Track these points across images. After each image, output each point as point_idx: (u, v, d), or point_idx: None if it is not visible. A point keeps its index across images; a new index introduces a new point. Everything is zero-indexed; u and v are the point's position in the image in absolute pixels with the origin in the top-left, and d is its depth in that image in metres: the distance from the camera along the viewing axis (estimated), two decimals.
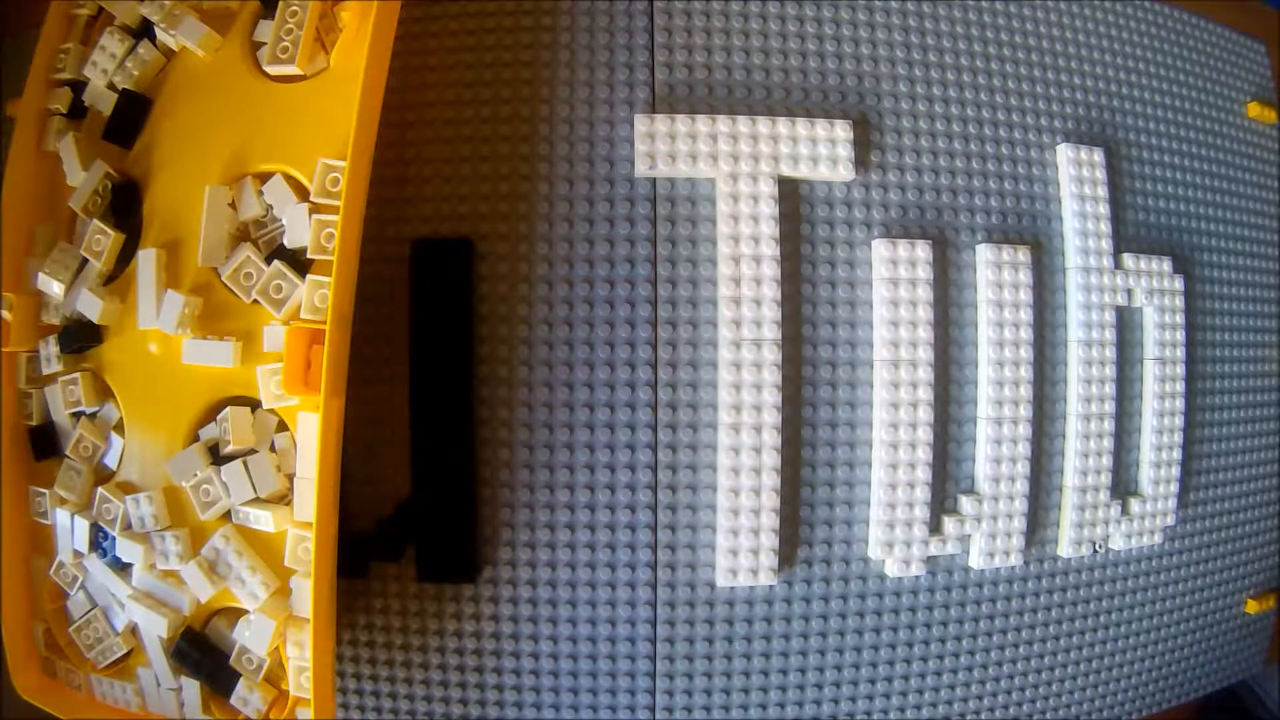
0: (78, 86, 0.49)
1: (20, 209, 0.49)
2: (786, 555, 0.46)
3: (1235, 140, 0.57)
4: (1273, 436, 0.58)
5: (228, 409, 0.42)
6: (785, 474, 0.45)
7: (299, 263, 0.42)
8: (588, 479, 0.45)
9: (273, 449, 0.42)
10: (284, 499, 0.42)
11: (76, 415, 0.46)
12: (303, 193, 0.42)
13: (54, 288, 0.46)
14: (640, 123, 0.45)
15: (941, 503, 0.48)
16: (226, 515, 0.42)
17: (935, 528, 0.48)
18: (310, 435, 0.40)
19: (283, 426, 0.42)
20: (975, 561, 0.48)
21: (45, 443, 0.48)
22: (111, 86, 0.47)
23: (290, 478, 0.42)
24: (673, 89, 0.47)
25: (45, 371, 0.47)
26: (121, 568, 0.44)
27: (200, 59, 0.46)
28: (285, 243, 0.42)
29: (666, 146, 0.45)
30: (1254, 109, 0.58)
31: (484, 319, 0.45)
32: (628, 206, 0.46)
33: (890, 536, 0.46)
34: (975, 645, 0.49)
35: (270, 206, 0.43)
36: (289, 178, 0.43)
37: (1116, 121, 0.53)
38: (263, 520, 0.41)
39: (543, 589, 0.45)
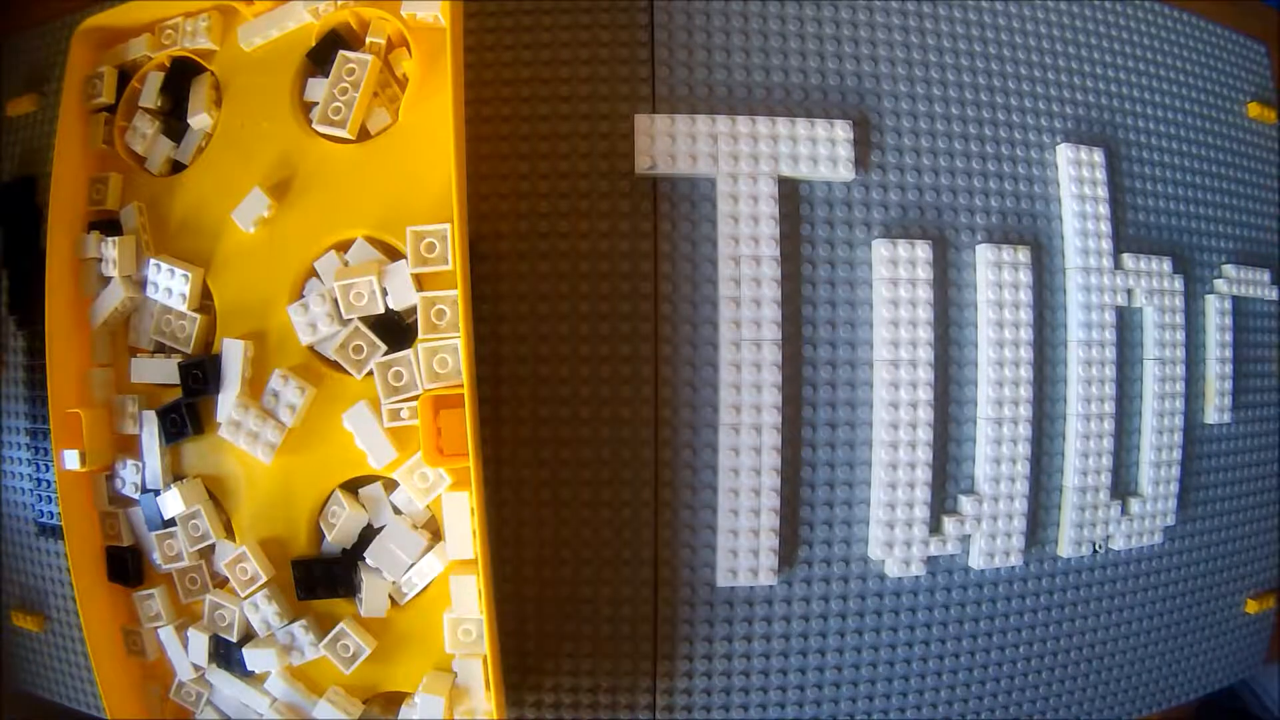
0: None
1: (68, 322, 0.45)
2: (786, 555, 0.46)
3: (1235, 140, 0.57)
4: (1273, 436, 0.58)
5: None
6: (785, 474, 0.45)
7: (393, 328, 0.41)
8: (588, 479, 0.45)
9: (397, 511, 0.41)
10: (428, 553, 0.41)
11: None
12: (389, 251, 0.41)
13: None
14: (640, 122, 0.45)
15: (941, 503, 0.48)
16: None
17: (935, 528, 0.48)
18: (461, 513, 0.39)
19: (389, 486, 0.41)
20: (975, 561, 0.48)
21: (138, 565, 0.44)
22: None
23: (432, 532, 0.41)
24: (673, 89, 0.47)
25: (125, 492, 0.44)
26: (250, 674, 0.42)
27: (241, 125, 0.43)
28: (391, 305, 0.40)
29: (666, 146, 0.45)
30: (1254, 109, 0.58)
31: (484, 319, 0.45)
32: (628, 206, 0.46)
33: (890, 536, 0.46)
34: (975, 645, 0.49)
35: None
36: (370, 239, 0.41)
37: (1116, 121, 0.53)
38: (425, 570, 0.40)
39: (543, 588, 0.45)
